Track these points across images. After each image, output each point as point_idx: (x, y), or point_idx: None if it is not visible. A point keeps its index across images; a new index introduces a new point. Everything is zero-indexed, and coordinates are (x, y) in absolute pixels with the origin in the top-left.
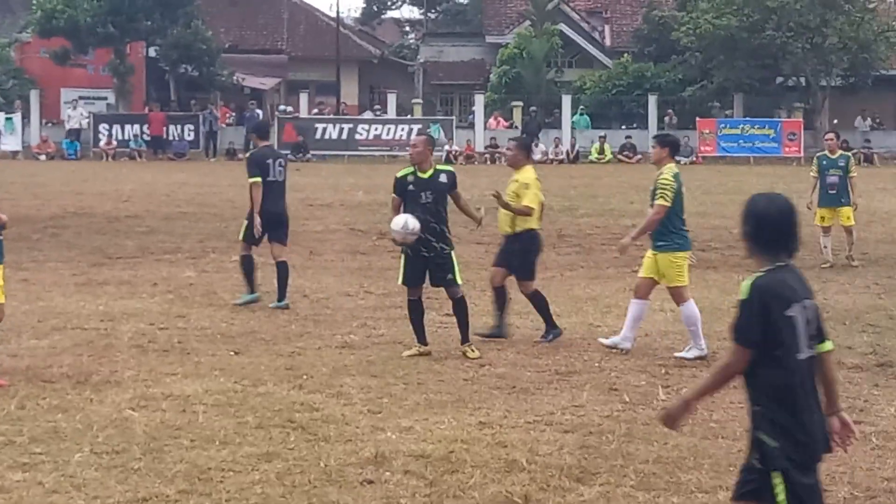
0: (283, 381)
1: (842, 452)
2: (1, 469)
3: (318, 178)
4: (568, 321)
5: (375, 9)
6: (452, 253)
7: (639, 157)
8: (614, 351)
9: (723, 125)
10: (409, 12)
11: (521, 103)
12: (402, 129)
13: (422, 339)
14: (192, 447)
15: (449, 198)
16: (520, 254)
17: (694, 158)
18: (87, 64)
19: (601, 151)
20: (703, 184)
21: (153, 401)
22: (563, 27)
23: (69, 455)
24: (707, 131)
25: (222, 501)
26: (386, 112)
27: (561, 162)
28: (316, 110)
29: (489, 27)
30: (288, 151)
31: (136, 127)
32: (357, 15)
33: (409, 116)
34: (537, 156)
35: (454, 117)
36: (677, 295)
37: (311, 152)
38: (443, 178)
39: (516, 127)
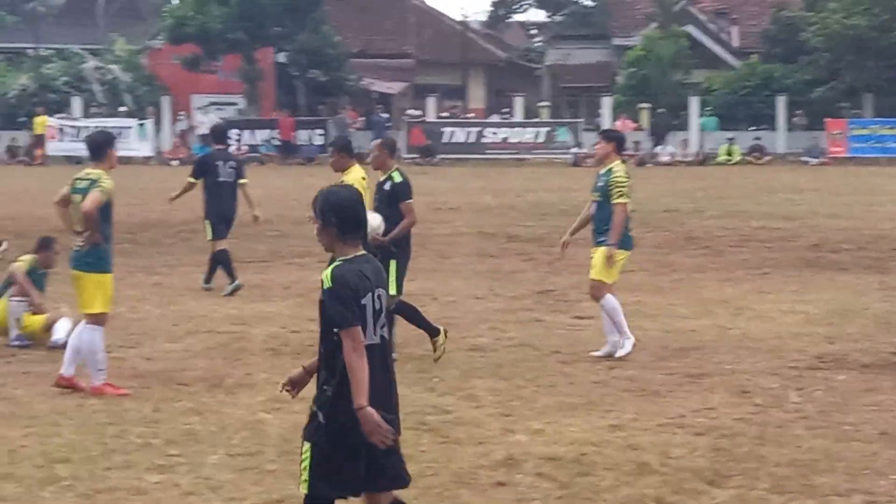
0: (414, 384)
1: None
2: (138, 471)
3: (445, 181)
4: (697, 323)
5: (502, 12)
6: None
7: (768, 157)
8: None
9: (853, 126)
10: (536, 15)
11: (648, 105)
12: (530, 133)
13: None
14: None
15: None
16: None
17: (824, 160)
18: (217, 70)
19: (729, 153)
20: (833, 185)
21: (286, 403)
22: (690, 28)
23: (204, 457)
24: (837, 132)
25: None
26: (513, 115)
27: (689, 164)
28: (447, 113)
29: (615, 29)
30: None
31: (266, 132)
32: (483, 19)
33: (536, 119)
34: (665, 158)
35: (581, 120)
36: (597, 289)
37: (439, 156)
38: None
39: (644, 129)
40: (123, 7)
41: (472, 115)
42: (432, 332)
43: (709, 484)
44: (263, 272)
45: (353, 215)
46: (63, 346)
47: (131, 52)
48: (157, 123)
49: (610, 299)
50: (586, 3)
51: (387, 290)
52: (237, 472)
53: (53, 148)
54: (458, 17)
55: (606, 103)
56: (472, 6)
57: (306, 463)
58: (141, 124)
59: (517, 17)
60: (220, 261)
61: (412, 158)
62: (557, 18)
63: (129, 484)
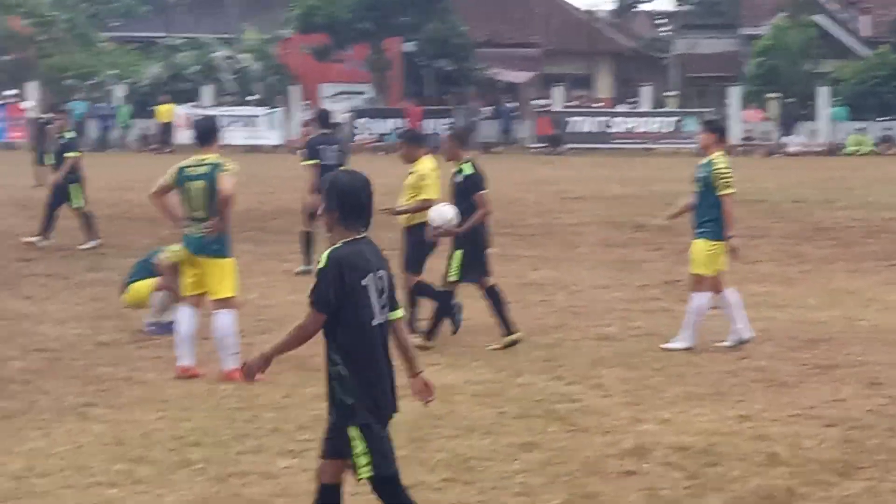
0: (541, 372)
1: None
2: (269, 455)
3: (572, 171)
4: (828, 314)
5: (629, 1)
6: None
7: None
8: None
9: None
10: (663, 4)
11: (776, 95)
12: (657, 122)
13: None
14: (454, 437)
15: None
16: (411, 246)
17: None
18: (345, 59)
19: (859, 143)
20: None
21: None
22: (819, 18)
23: None
24: None
25: (484, 490)
26: (640, 105)
27: (818, 154)
28: (576, 102)
29: (744, 19)
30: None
31: (393, 121)
32: (611, 8)
33: (663, 109)
34: (794, 148)
35: (709, 109)
36: (696, 283)
37: (566, 145)
38: None
39: (772, 119)
40: None
41: (600, 104)
42: (509, 328)
43: (840, 476)
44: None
45: (355, 201)
46: (155, 332)
47: (261, 42)
48: (286, 112)
49: (699, 299)
50: None
51: (389, 272)
52: None
53: (184, 136)
54: (586, 7)
55: (734, 93)
56: None
57: (361, 446)
58: (270, 113)
59: (644, 7)
60: (301, 240)
61: (538, 148)
62: (685, 7)
63: (259, 468)
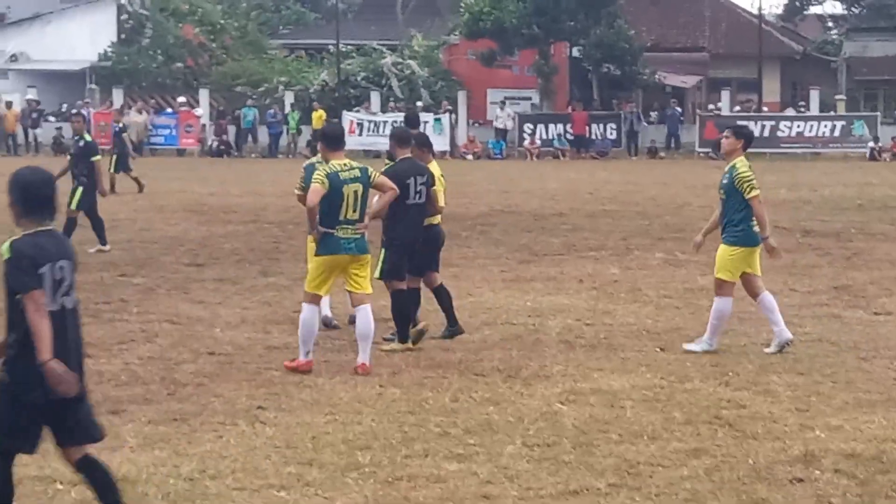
0: (709, 378)
1: None
2: (437, 459)
3: None
4: None
5: (798, 4)
6: None
7: None
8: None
9: None
10: (832, 7)
11: None
12: (826, 126)
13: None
14: (621, 441)
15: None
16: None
17: None
18: (512, 65)
19: None
20: None
21: (581, 395)
22: None
23: (502, 447)
24: None
25: (651, 496)
26: (808, 109)
27: None
28: (738, 107)
29: None
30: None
31: (560, 126)
32: (779, 11)
33: (832, 113)
34: None
35: (878, 113)
36: (718, 286)
37: None
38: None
39: None
40: (421, 3)
41: (766, 108)
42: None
43: None
44: (558, 265)
45: (36, 195)
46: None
47: (428, 48)
48: (454, 118)
49: (720, 303)
50: None
51: (73, 262)
52: (534, 462)
53: (352, 142)
54: (754, 10)
55: None
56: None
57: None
58: (437, 119)
59: (814, 10)
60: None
61: (705, 152)
62: (855, 10)
63: (427, 472)
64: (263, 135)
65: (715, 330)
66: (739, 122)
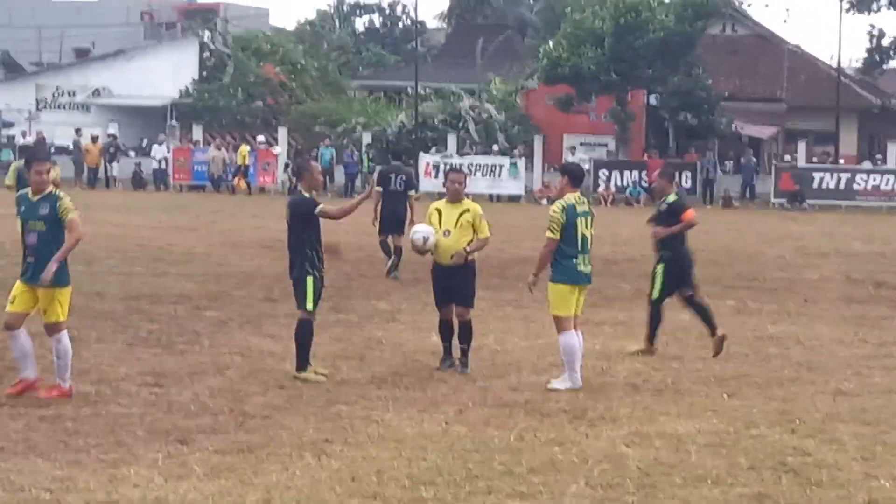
0: (775, 425)
1: None
2: (500, 497)
3: (814, 226)
4: None
5: (878, 59)
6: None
7: None
8: None
9: None
10: None
11: None
12: None
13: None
14: (684, 485)
15: None
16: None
17: None
18: (589, 111)
19: None
20: None
21: (647, 438)
22: None
23: (565, 486)
24: None
25: None
26: (885, 162)
27: None
28: (815, 159)
29: None
30: None
31: (635, 173)
32: (859, 65)
33: None
34: None
35: None
36: (556, 323)
37: (808, 201)
38: None
39: None
40: (500, 48)
41: (843, 160)
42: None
43: None
44: (628, 310)
45: None
46: None
47: (506, 92)
48: (529, 163)
49: (568, 336)
50: None
51: None
52: (597, 502)
53: (427, 184)
54: (832, 63)
55: None
56: (847, 52)
57: None
58: (513, 163)
59: (893, 64)
60: (385, 250)
61: (780, 203)
62: None
63: None
64: (340, 174)
65: (572, 366)
66: (569, 160)
